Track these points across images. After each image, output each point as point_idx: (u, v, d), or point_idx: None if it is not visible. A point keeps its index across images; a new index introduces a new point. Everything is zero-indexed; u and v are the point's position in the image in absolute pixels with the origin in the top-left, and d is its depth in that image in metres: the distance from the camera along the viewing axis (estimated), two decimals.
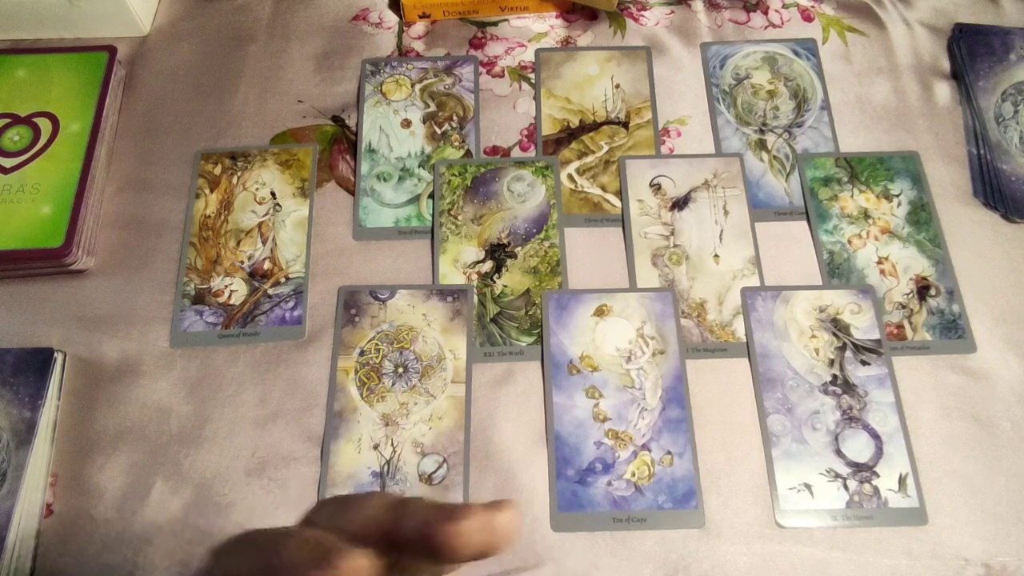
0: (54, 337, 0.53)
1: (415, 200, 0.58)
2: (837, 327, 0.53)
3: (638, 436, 0.49)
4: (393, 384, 0.51)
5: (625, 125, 0.61)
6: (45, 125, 0.58)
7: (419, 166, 0.59)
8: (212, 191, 0.58)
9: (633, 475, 0.48)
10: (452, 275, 0.55)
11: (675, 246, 0.56)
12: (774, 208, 0.58)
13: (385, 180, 0.59)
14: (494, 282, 0.55)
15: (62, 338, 0.53)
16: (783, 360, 0.52)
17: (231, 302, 0.54)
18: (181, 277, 0.55)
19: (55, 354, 0.51)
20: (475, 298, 0.54)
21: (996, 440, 0.50)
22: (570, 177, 0.59)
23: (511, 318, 0.54)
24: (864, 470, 0.49)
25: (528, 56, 0.65)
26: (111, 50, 0.61)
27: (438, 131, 0.61)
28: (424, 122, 0.61)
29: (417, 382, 0.51)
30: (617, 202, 0.58)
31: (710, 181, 0.58)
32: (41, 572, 0.46)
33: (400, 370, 0.52)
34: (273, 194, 0.58)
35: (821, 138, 0.61)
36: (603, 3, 0.65)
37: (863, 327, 0.53)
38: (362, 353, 0.52)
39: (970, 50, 0.63)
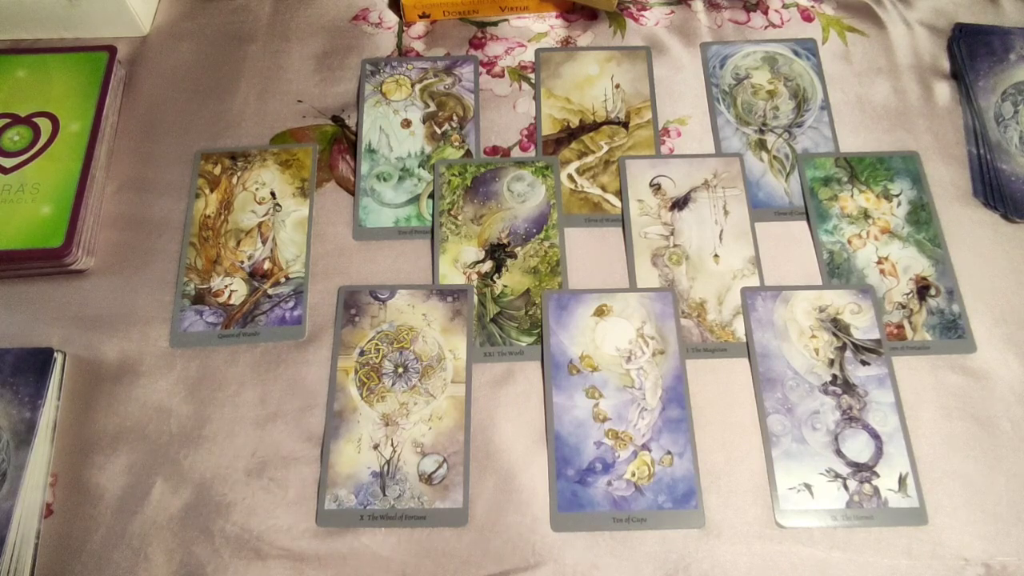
0: (54, 337, 0.53)
1: (415, 200, 0.58)
2: (837, 327, 0.53)
3: (638, 436, 0.49)
4: (393, 384, 0.51)
5: (625, 125, 0.61)
6: (45, 125, 0.58)
7: (419, 166, 0.59)
8: (212, 191, 0.58)
9: (633, 475, 0.48)
10: (452, 275, 0.55)
11: (675, 246, 0.56)
12: (774, 208, 0.58)
13: (385, 180, 0.59)
14: (494, 282, 0.55)
15: (62, 338, 0.53)
16: (783, 360, 0.52)
17: (231, 302, 0.54)
18: (181, 277, 0.55)
19: (55, 354, 0.51)
20: (475, 298, 0.54)
21: (996, 440, 0.50)
22: (570, 177, 0.59)
23: (511, 318, 0.54)
24: (864, 470, 0.49)
25: (528, 56, 0.65)
26: (111, 50, 0.61)
27: (438, 131, 0.61)
28: (424, 122, 0.61)
29: (417, 382, 0.51)
30: (617, 202, 0.58)
31: (710, 181, 0.58)
32: (41, 572, 0.46)
33: (400, 370, 0.52)
34: (273, 194, 0.58)
35: (821, 138, 0.61)
36: (603, 3, 0.65)
37: (863, 327, 0.53)
38: (362, 353, 0.52)
39: (970, 50, 0.63)
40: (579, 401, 0.50)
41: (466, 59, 0.64)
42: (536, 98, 0.62)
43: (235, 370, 0.52)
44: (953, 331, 0.53)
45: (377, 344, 0.52)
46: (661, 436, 0.49)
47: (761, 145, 0.60)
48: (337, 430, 0.50)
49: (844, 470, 0.49)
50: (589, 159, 0.60)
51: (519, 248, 0.56)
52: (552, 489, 0.48)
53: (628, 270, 0.55)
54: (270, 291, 0.55)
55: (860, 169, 0.59)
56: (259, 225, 0.57)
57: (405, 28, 0.66)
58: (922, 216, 0.57)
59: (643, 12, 0.67)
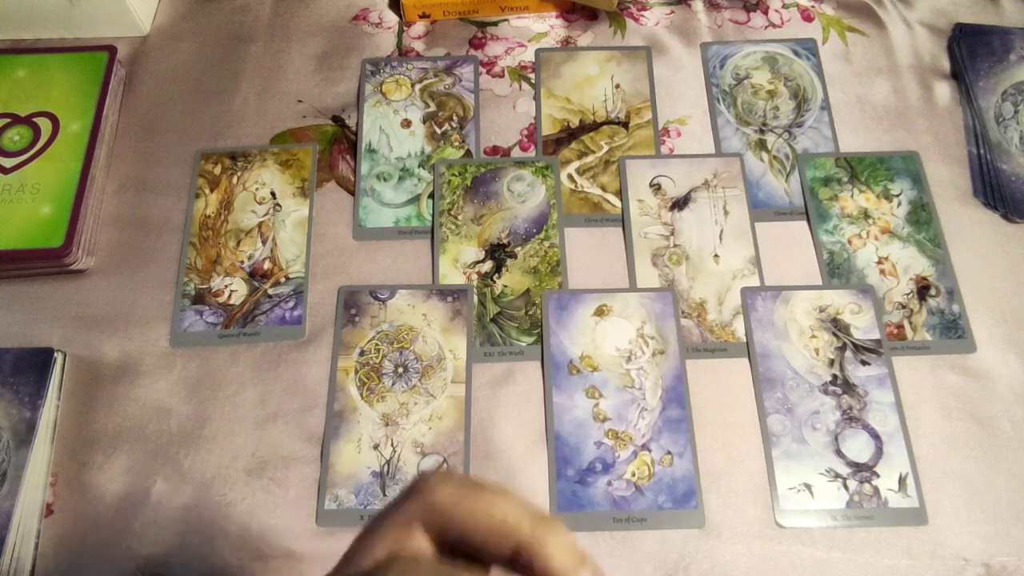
0: (54, 337, 0.53)
1: (415, 200, 0.58)
2: (837, 327, 0.53)
3: (638, 436, 0.49)
4: (393, 384, 0.51)
5: (625, 125, 0.61)
6: (45, 125, 0.58)
7: (419, 166, 0.59)
8: (212, 191, 0.58)
9: (633, 475, 0.48)
10: (452, 275, 0.55)
11: (675, 246, 0.56)
12: (774, 208, 0.58)
13: (385, 180, 0.59)
14: (494, 282, 0.55)
15: (62, 338, 0.53)
16: (783, 360, 0.52)
17: (231, 302, 0.54)
18: (181, 277, 0.55)
19: (55, 354, 0.51)
20: (475, 298, 0.54)
21: (996, 440, 0.50)
22: (570, 177, 0.59)
23: (511, 318, 0.54)
24: (864, 470, 0.49)
25: (528, 56, 0.65)
26: (111, 50, 0.61)
27: (438, 131, 0.61)
28: (424, 122, 0.61)
29: (417, 382, 0.51)
30: (617, 202, 0.58)
31: (710, 181, 0.58)
32: (41, 572, 0.46)
33: (400, 370, 0.52)
34: (273, 194, 0.58)
35: (821, 138, 0.61)
36: (603, 3, 0.65)
37: (863, 327, 0.53)
38: (362, 353, 0.52)
39: (970, 50, 0.63)
40: (579, 401, 0.50)
41: (466, 59, 0.64)
42: (536, 98, 0.62)
43: (235, 370, 0.52)
44: (953, 331, 0.53)
45: (377, 344, 0.52)
46: (661, 436, 0.49)
47: (761, 145, 0.60)
48: (337, 430, 0.50)
49: (844, 470, 0.49)
50: (589, 159, 0.60)
51: (519, 248, 0.56)
52: (552, 489, 0.48)
53: (628, 270, 0.55)
54: (270, 291, 0.55)
55: (860, 169, 0.59)
56: (259, 225, 0.57)
57: (405, 28, 0.66)
58: (922, 216, 0.57)
59: (643, 12, 0.67)
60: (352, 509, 0.48)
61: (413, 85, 0.63)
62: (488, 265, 0.55)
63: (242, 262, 0.55)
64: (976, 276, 0.55)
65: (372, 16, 0.67)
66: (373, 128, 0.61)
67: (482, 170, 0.59)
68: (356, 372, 0.52)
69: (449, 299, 0.54)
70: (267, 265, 0.55)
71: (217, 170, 0.59)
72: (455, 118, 0.61)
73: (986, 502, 0.48)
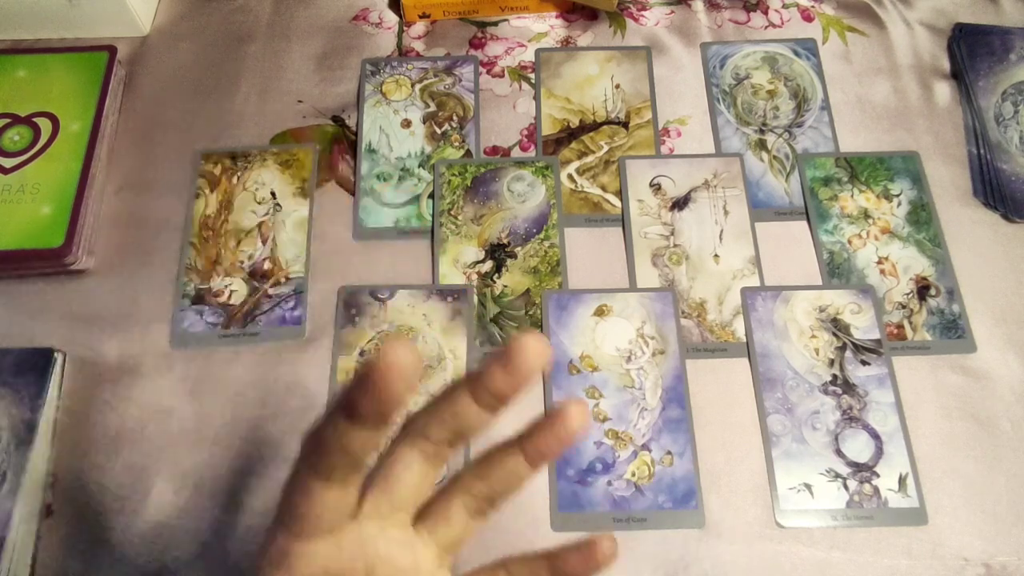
0: (54, 337, 0.53)
1: (415, 200, 0.58)
2: (837, 327, 0.53)
3: (638, 436, 0.49)
4: None
5: (625, 125, 0.61)
6: (45, 125, 0.58)
7: (419, 166, 0.59)
8: (212, 191, 0.58)
9: (633, 475, 0.48)
10: (452, 275, 0.55)
11: (675, 246, 0.56)
12: (774, 208, 0.58)
13: (385, 180, 0.59)
14: (494, 282, 0.55)
15: (62, 338, 0.53)
16: (783, 360, 0.52)
17: (231, 302, 0.54)
18: (181, 277, 0.55)
19: (55, 354, 0.51)
20: (475, 298, 0.54)
21: (996, 440, 0.50)
22: (570, 177, 0.59)
23: (511, 318, 0.54)
24: (864, 470, 0.49)
25: (528, 56, 0.65)
26: (111, 50, 0.61)
27: (438, 131, 0.61)
28: (424, 122, 0.61)
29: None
30: (617, 202, 0.58)
31: (710, 181, 0.58)
32: (41, 572, 0.46)
33: None
34: (273, 194, 0.58)
35: (821, 138, 0.61)
36: (603, 3, 0.65)
37: (863, 327, 0.53)
38: (362, 353, 0.52)
39: (970, 50, 0.63)
40: None
41: (466, 59, 0.64)
42: (536, 98, 0.62)
43: (235, 370, 0.52)
44: (953, 331, 0.53)
45: (377, 344, 0.52)
46: (661, 436, 0.49)
47: (761, 145, 0.60)
48: None
49: (844, 470, 0.49)
50: (589, 159, 0.60)
51: (519, 248, 0.56)
52: (552, 489, 0.48)
53: (628, 270, 0.55)
54: (270, 291, 0.55)
55: (860, 169, 0.59)
56: (259, 225, 0.57)
57: (405, 28, 0.66)
58: (922, 216, 0.57)
59: (643, 12, 0.67)
60: None
61: (413, 85, 0.63)
62: (488, 265, 0.55)
63: (242, 262, 0.55)
64: (976, 276, 0.55)
65: (372, 16, 0.67)
66: (373, 128, 0.61)
67: (482, 170, 0.59)
68: None
69: (449, 299, 0.54)
70: (267, 265, 0.55)
71: (217, 170, 0.59)
72: (455, 118, 0.61)
73: (986, 502, 0.48)
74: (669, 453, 0.49)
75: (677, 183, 0.58)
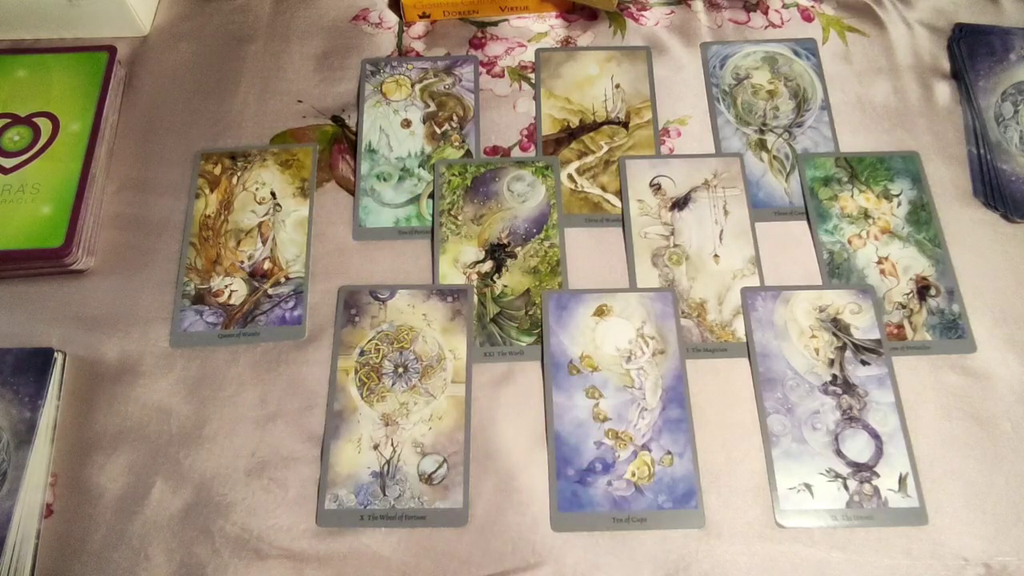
0: (54, 337, 0.53)
1: (415, 200, 0.58)
2: (837, 327, 0.53)
3: (638, 436, 0.49)
4: (393, 384, 0.51)
5: (625, 125, 0.61)
6: (45, 125, 0.58)
7: (419, 166, 0.59)
8: (212, 191, 0.58)
9: (633, 475, 0.48)
10: (452, 275, 0.55)
11: (675, 246, 0.56)
12: (774, 208, 0.58)
13: (385, 180, 0.59)
14: (494, 282, 0.55)
15: (62, 338, 0.53)
16: (783, 360, 0.52)
17: (231, 302, 0.54)
18: (181, 277, 0.55)
19: (55, 354, 0.51)
20: (475, 298, 0.54)
21: (996, 440, 0.50)
22: (570, 177, 0.59)
23: (511, 318, 0.54)
24: (864, 470, 0.49)
25: (528, 56, 0.65)
26: (111, 50, 0.61)
27: (438, 131, 0.61)
28: (424, 122, 0.61)
29: (417, 382, 0.51)
30: (617, 202, 0.58)
31: (710, 181, 0.58)
32: (41, 572, 0.46)
33: (400, 370, 0.52)
34: (273, 194, 0.58)
35: (821, 138, 0.61)
36: (603, 3, 0.65)
37: (863, 327, 0.53)
38: (362, 353, 0.52)
39: (970, 50, 0.63)
40: (579, 401, 0.50)
41: (466, 59, 0.64)
42: (536, 98, 0.62)
43: (235, 370, 0.52)
44: (953, 331, 0.53)
45: (377, 344, 0.52)
46: (661, 436, 0.49)
47: (761, 145, 0.60)
48: (337, 430, 0.50)
49: (844, 470, 0.49)
50: (589, 159, 0.60)
51: (519, 248, 0.56)
52: (552, 489, 0.48)
53: (628, 270, 0.55)
54: (270, 291, 0.55)
55: (860, 169, 0.59)
56: (259, 225, 0.57)
57: (405, 28, 0.66)
58: (922, 216, 0.57)
59: (643, 12, 0.67)
60: (352, 509, 0.48)
61: (413, 85, 0.63)
62: (488, 265, 0.55)
63: (242, 262, 0.55)
64: (976, 276, 0.55)
65: (372, 16, 0.67)
66: (373, 128, 0.61)
67: (482, 170, 0.59)
68: (356, 372, 0.52)
69: (449, 299, 0.54)
70: (267, 265, 0.55)
71: (217, 170, 0.59)
72: (455, 118, 0.61)
73: (986, 502, 0.48)
74: (669, 453, 0.49)
75: (677, 183, 0.58)
